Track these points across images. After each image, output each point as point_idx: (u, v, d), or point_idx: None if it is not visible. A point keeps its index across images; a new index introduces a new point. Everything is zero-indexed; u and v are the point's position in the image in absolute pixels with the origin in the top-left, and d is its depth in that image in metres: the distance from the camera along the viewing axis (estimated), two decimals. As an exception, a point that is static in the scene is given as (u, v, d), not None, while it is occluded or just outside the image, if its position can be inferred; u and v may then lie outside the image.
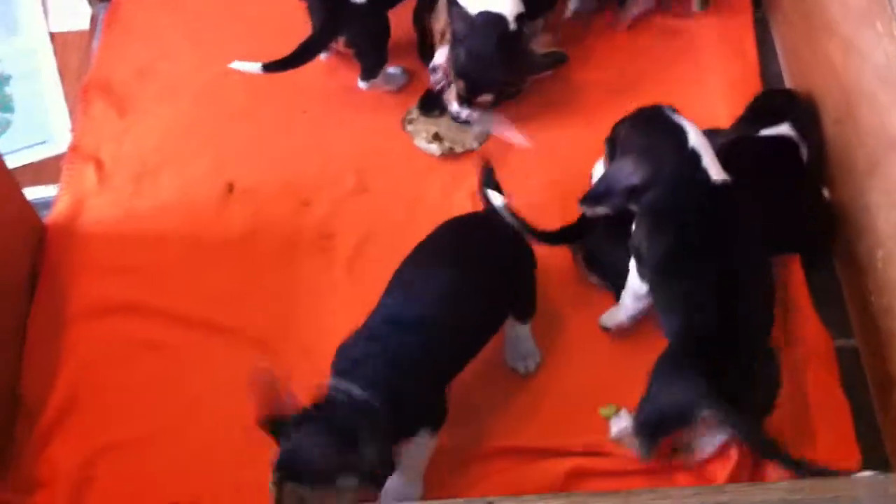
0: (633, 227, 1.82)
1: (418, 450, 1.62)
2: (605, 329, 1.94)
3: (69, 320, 2.01)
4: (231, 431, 1.82)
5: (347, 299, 1.96)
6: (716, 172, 1.74)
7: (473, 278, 1.65)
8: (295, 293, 2.04)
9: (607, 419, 1.84)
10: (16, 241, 2.07)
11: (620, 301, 1.94)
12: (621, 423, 1.79)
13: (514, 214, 1.84)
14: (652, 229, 1.76)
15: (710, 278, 1.67)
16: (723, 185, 1.74)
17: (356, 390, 1.47)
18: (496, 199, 1.85)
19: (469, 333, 1.68)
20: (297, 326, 1.98)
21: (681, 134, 1.75)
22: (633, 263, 1.81)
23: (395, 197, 2.18)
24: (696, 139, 1.75)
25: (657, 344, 1.75)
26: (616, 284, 1.96)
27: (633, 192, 1.75)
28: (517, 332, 1.84)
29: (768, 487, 1.45)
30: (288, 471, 1.39)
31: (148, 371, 1.95)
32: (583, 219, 1.89)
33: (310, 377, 1.74)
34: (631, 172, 1.74)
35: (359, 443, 1.40)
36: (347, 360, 1.58)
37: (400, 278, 1.68)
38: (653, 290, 1.77)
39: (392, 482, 1.54)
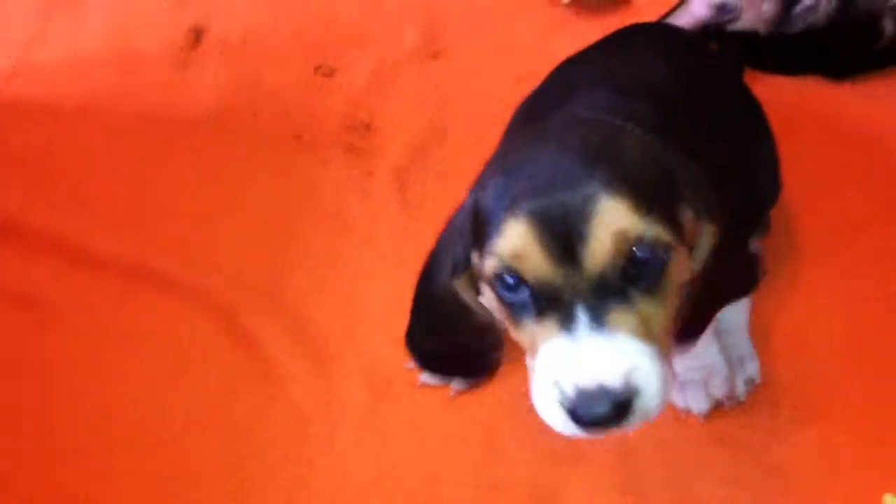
0: None
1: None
2: None
3: None
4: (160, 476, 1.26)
5: (394, 242, 1.42)
6: None
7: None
8: (298, 226, 1.47)
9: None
10: None
11: None
12: None
13: None
14: None
15: None
16: None
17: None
18: None
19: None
20: (294, 289, 1.40)
21: None
22: None
23: (487, 69, 1.61)
24: None
25: None
26: None
27: None
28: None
29: None
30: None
31: (22, 356, 1.37)
32: None
33: (311, 393, 1.30)
34: None
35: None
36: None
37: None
38: None
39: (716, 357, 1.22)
